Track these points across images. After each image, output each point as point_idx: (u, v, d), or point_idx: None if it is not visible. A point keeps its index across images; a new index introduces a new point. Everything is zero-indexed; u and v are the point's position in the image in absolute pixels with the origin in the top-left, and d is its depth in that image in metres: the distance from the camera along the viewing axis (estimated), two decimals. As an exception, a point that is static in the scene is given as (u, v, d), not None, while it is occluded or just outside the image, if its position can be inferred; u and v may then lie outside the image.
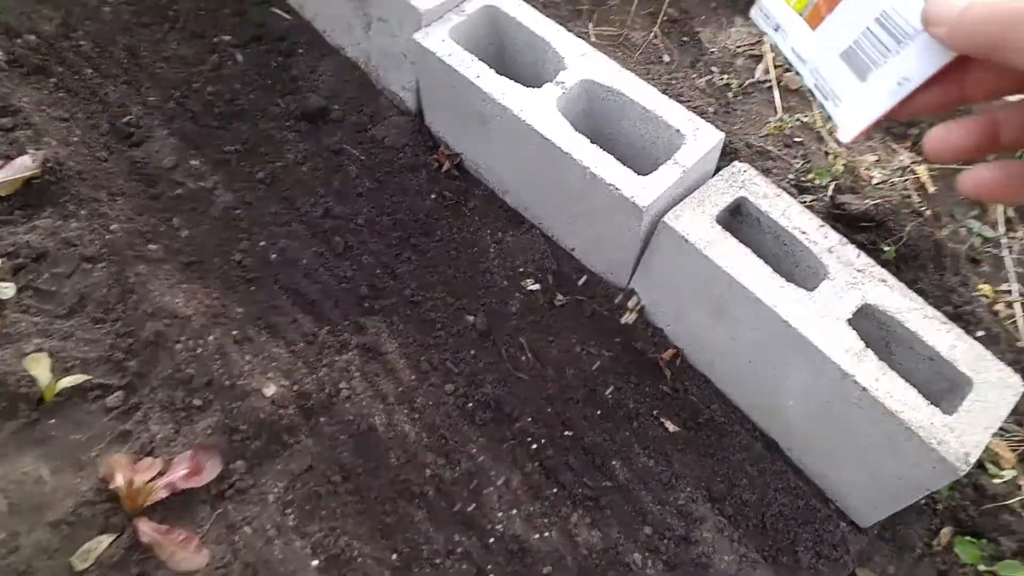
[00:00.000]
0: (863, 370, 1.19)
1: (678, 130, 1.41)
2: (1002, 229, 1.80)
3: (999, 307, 1.65)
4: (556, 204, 1.57)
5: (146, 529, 1.16)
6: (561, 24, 1.63)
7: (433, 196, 1.71)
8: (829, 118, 0.42)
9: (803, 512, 1.34)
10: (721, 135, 1.42)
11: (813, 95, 0.51)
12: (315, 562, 1.20)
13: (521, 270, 1.63)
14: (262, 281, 1.53)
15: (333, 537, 1.22)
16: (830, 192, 1.71)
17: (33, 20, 1.82)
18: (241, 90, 1.81)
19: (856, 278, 1.30)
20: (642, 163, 1.52)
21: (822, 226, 1.35)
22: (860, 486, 1.29)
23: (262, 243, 1.58)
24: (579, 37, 1.59)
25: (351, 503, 1.27)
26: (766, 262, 1.32)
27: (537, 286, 1.61)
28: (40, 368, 1.29)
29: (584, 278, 1.62)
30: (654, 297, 1.51)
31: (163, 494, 1.20)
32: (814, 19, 0.55)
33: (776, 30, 0.58)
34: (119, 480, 1.18)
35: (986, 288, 1.68)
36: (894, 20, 0.48)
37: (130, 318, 1.40)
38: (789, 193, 1.71)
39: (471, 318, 1.53)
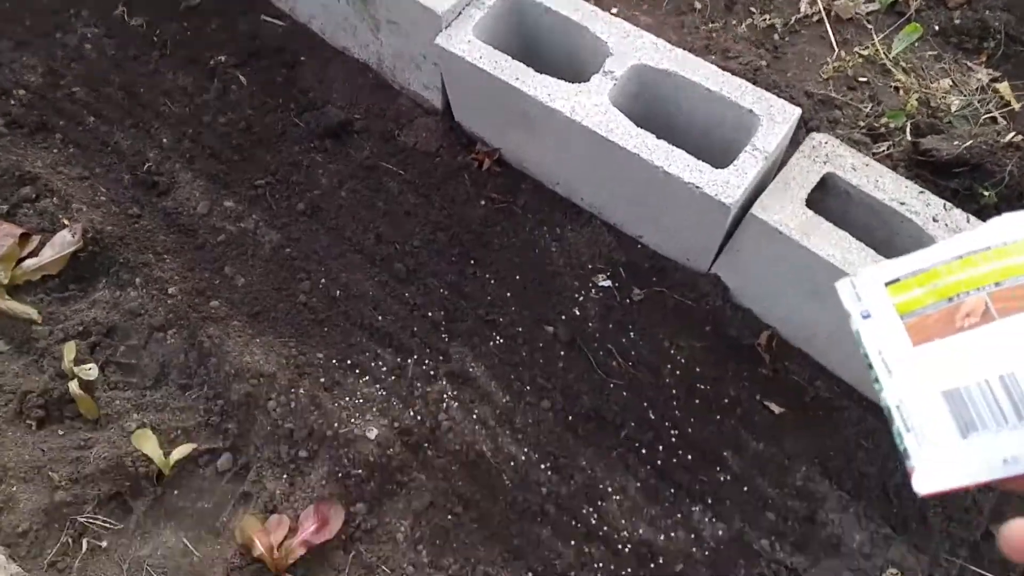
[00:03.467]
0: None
1: (750, 111, 1.78)
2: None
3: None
4: (620, 197, 1.95)
5: (295, 584, 1.59)
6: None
7: (482, 202, 2.09)
8: (904, 452, 0.51)
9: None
10: (798, 111, 1.79)
11: (890, 415, 0.59)
12: (458, 591, 1.63)
13: (590, 266, 2.03)
14: (333, 320, 1.93)
15: (469, 567, 1.65)
16: (908, 135, 2.09)
17: (16, 72, 2.17)
18: (254, 115, 2.18)
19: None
20: (708, 145, 1.90)
21: (922, 192, 1.73)
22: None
23: (323, 281, 1.97)
24: None
25: (476, 531, 1.69)
26: (858, 235, 1.70)
27: (609, 282, 2.01)
28: (149, 445, 1.70)
29: (659, 266, 2.02)
30: (742, 283, 1.91)
31: (300, 551, 1.62)
32: (919, 333, 0.59)
33: (865, 318, 0.62)
34: (260, 547, 1.60)
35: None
36: (1021, 388, 0.53)
37: (215, 381, 1.81)
38: (863, 143, 2.10)
39: (551, 328, 1.94)
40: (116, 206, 2.02)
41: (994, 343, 0.55)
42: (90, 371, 1.78)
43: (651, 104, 1.95)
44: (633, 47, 1.88)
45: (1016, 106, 2.25)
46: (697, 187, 1.71)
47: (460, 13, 1.93)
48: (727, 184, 1.71)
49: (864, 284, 0.63)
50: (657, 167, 1.74)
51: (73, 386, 1.75)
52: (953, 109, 2.20)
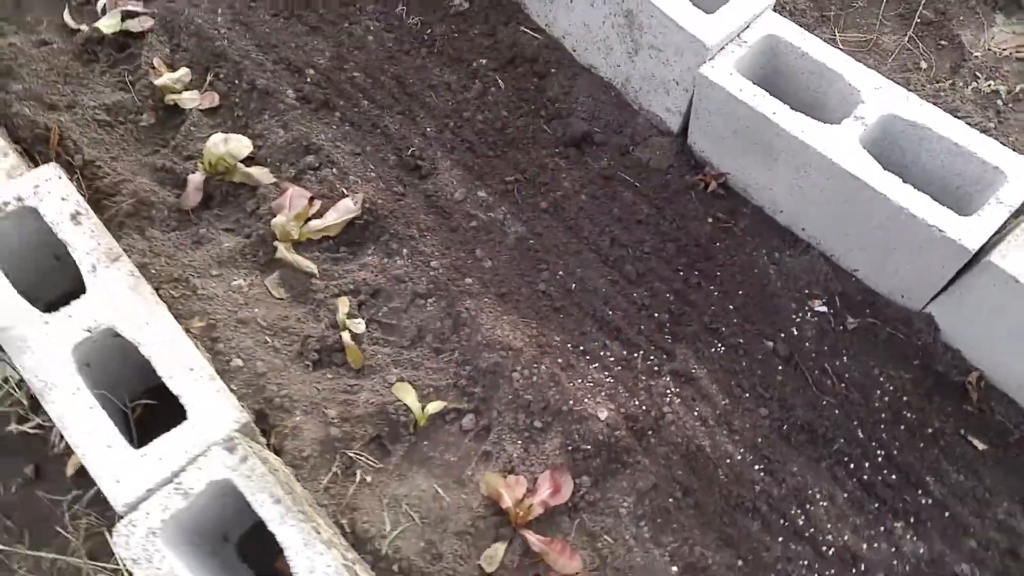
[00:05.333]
0: None
1: (996, 167, 1.91)
2: None
3: None
4: (846, 231, 2.10)
5: (533, 540, 1.79)
6: (807, 30, 2.13)
7: (709, 220, 2.27)
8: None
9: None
10: (1046, 172, 1.91)
11: None
12: (675, 568, 1.80)
13: (806, 291, 2.18)
14: (568, 309, 2.14)
15: (687, 547, 1.82)
16: None
17: (308, 53, 2.47)
18: (508, 117, 2.41)
19: None
20: (944, 196, 2.03)
21: None
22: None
23: (560, 273, 2.19)
24: (827, 43, 2.08)
25: (693, 516, 1.87)
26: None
27: (825, 308, 2.16)
28: (409, 397, 1.93)
29: (871, 300, 2.15)
30: (956, 324, 2.03)
31: (539, 511, 1.83)
32: None
33: None
34: (508, 501, 1.81)
35: None
36: None
37: (467, 348, 2.04)
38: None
39: (770, 343, 2.10)
40: (383, 183, 2.28)
41: None
42: (359, 325, 2.04)
43: (887, 151, 2.10)
44: (886, 97, 2.03)
45: None
46: (941, 230, 1.85)
47: (723, 48, 2.12)
48: (970, 231, 1.84)
49: None
50: (902, 208, 1.89)
51: (345, 336, 2.01)
52: None
